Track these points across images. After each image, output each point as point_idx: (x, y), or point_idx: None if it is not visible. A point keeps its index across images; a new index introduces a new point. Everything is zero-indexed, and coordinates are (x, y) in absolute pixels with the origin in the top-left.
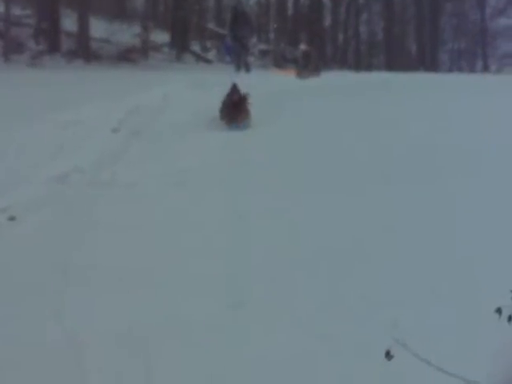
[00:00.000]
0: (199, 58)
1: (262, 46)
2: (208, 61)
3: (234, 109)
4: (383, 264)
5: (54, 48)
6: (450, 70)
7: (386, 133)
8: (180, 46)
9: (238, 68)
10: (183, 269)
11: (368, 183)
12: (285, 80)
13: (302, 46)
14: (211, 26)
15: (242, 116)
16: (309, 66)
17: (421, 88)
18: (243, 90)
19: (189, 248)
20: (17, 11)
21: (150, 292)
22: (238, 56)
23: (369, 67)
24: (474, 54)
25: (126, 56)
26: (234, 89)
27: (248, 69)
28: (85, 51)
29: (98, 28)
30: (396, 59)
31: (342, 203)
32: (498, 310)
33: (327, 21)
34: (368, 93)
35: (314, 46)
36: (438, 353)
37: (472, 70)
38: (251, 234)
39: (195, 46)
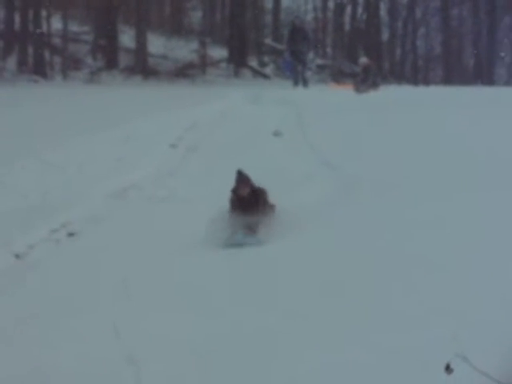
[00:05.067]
0: (256, 73)
1: (320, 61)
2: (265, 76)
3: (245, 209)
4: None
5: (111, 64)
6: (507, 84)
7: (452, 150)
8: (237, 62)
9: (296, 83)
10: (242, 285)
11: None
12: (343, 95)
13: (362, 60)
14: (268, 41)
15: (257, 220)
16: (367, 80)
17: (482, 102)
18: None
19: (247, 266)
20: (74, 28)
21: (209, 307)
22: (296, 71)
23: (426, 81)
24: None
25: (184, 72)
26: (241, 178)
27: (306, 84)
28: (142, 67)
29: (156, 44)
30: (453, 73)
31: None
32: None
33: (384, 35)
34: (429, 106)
35: (372, 60)
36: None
37: None
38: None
39: (252, 62)
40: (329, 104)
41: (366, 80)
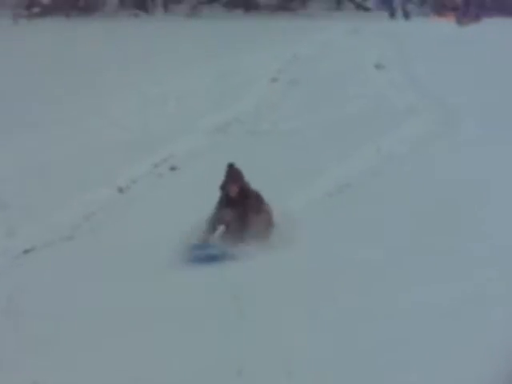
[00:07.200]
0: (358, 6)
1: None
2: (367, 9)
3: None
4: None
5: None
6: None
7: None
8: None
9: (392, 15)
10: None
11: None
12: (444, 27)
13: None
14: None
15: (249, 227)
16: (468, 13)
17: None
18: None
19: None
20: None
21: None
22: (390, 3)
23: None
24: None
25: (285, 5)
26: (231, 174)
27: (407, 16)
28: (244, 1)
29: None
30: None
31: None
32: None
33: None
34: None
35: None
36: None
37: None
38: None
39: None
40: (430, 36)
41: (466, 13)
